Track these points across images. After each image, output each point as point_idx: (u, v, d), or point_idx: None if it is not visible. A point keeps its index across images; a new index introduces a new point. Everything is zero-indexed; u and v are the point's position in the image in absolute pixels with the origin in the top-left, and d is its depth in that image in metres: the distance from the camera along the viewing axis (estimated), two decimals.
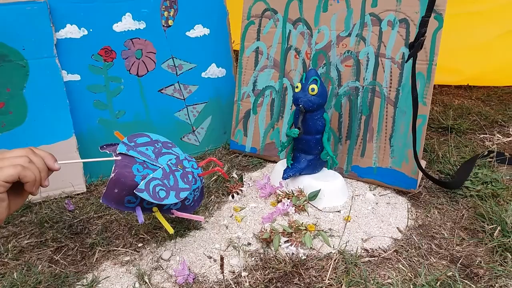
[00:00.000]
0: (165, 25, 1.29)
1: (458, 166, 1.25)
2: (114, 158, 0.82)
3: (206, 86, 1.39)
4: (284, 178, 1.10)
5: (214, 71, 1.40)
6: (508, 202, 1.06)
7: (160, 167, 0.85)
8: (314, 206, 1.06)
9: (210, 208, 1.08)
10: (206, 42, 1.37)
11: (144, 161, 0.84)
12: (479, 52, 1.80)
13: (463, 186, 1.15)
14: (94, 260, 0.91)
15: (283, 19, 1.27)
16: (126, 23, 1.24)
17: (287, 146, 1.15)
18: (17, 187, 0.64)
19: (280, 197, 1.07)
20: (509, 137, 1.46)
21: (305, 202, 1.05)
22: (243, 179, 1.21)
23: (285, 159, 1.16)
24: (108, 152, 0.84)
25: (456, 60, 1.77)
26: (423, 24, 0.94)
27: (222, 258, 0.74)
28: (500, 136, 1.45)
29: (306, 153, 1.11)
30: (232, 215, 1.05)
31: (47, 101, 1.13)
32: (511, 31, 1.75)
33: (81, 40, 1.18)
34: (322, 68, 1.22)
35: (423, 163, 1.26)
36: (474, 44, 1.80)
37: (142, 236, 0.98)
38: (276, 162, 1.25)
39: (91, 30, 1.19)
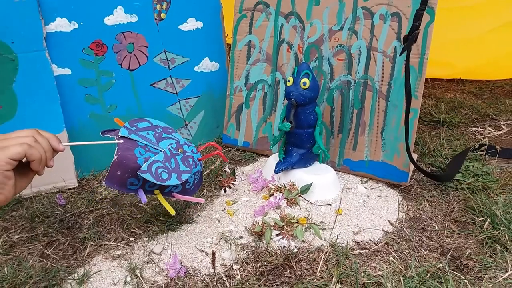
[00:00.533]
0: (158, 19, 1.28)
1: (450, 159, 1.26)
2: (117, 141, 0.83)
3: (199, 80, 1.39)
4: (276, 172, 1.10)
5: (207, 65, 1.40)
6: (498, 194, 1.07)
7: (161, 151, 0.87)
8: (306, 200, 1.07)
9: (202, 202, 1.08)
10: (199, 36, 1.36)
11: (145, 144, 0.87)
12: (471, 46, 1.81)
13: (454, 179, 1.16)
14: (86, 254, 0.91)
15: (275, 13, 1.27)
16: (118, 16, 1.22)
17: (279, 140, 1.15)
18: (22, 167, 0.66)
19: (272, 191, 1.08)
20: (500, 130, 1.47)
21: (297, 196, 1.05)
22: (236, 173, 1.21)
23: (277, 153, 1.17)
24: (110, 136, 0.86)
25: (449, 53, 1.78)
26: (418, 17, 0.94)
27: (213, 254, 0.74)
28: (491, 130, 1.46)
29: (298, 147, 1.11)
30: (224, 209, 1.05)
31: (37, 95, 1.12)
32: (502, 25, 1.76)
33: (71, 33, 1.17)
34: (315, 62, 1.22)
35: (415, 157, 1.26)
36: (466, 38, 1.81)
37: (133, 230, 0.98)
38: (269, 156, 1.25)
39: (81, 23, 1.18)
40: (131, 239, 0.95)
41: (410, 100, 1.02)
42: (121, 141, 0.84)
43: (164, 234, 0.96)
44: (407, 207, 1.06)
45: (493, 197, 1.06)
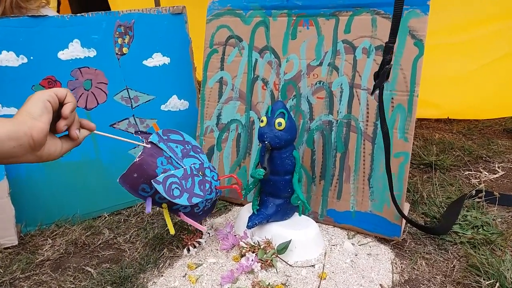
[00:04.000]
0: (119, 53, 1.16)
1: (445, 208, 1.13)
2: (144, 144, 0.84)
3: (166, 120, 1.25)
4: (248, 226, 0.94)
5: (175, 103, 1.27)
6: (504, 251, 0.93)
7: (183, 167, 0.88)
8: (284, 261, 0.91)
9: (160, 265, 0.91)
10: (166, 72, 1.24)
11: (170, 156, 0.87)
12: (458, 84, 1.73)
13: (452, 231, 1.02)
14: None
15: (248, 47, 1.16)
16: (74, 51, 1.10)
17: (253, 189, 1.00)
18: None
19: (244, 250, 0.91)
20: (495, 174, 1.35)
21: (274, 256, 0.89)
22: None
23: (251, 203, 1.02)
24: (141, 138, 0.86)
25: (435, 92, 1.69)
26: (387, 50, 0.83)
27: None
28: (487, 173, 1.35)
29: (274, 196, 0.97)
30: (186, 274, 0.88)
31: None
32: (488, 63, 1.69)
33: (19, 68, 1.04)
34: (292, 100, 1.10)
35: (407, 206, 1.13)
36: (453, 76, 1.73)
37: None
38: (244, 206, 1.09)
39: (31, 57, 1.05)
40: None
41: (389, 143, 0.90)
42: (149, 145, 0.84)
43: None
44: (401, 267, 0.91)
45: (499, 254, 0.92)
